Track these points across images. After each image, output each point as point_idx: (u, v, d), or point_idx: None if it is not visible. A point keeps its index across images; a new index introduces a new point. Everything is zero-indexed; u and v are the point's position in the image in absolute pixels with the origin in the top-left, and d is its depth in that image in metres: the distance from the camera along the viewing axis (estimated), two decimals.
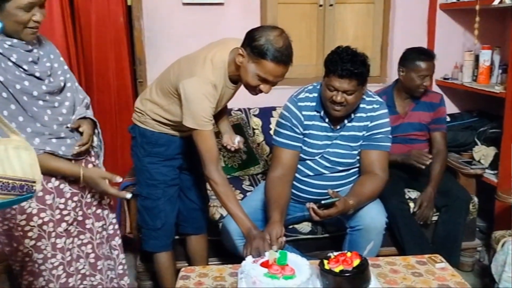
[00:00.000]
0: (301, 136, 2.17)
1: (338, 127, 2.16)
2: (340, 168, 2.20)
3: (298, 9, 3.20)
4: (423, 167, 2.47)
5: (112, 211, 1.94)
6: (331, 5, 3.19)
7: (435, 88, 3.24)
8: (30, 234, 1.65)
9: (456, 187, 2.59)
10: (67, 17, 2.74)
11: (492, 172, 2.78)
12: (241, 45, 1.84)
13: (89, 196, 1.81)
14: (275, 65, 1.76)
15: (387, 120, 2.18)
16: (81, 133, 1.73)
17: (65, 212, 1.72)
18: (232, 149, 2.21)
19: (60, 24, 2.67)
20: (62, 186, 1.70)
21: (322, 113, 2.14)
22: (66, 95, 1.73)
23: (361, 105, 2.15)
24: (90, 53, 2.89)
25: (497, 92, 2.67)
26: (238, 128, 2.89)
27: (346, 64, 1.95)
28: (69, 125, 1.71)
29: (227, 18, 3.05)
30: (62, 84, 1.71)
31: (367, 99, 2.17)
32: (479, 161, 2.87)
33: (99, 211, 1.86)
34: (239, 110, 2.98)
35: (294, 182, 2.23)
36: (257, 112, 3.02)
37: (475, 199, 2.63)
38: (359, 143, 2.17)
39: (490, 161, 2.82)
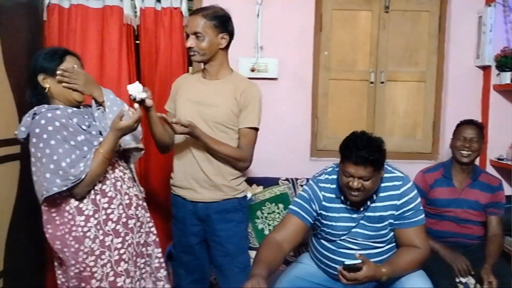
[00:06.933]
0: (314, 213, 2.11)
1: (362, 208, 2.10)
2: (374, 245, 2.12)
3: (349, 85, 3.29)
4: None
5: (156, 246, 2.09)
6: (382, 82, 3.28)
7: (489, 168, 3.15)
8: (88, 234, 1.83)
9: (508, 272, 2.44)
10: (132, 67, 2.98)
11: None
12: None
13: (136, 236, 1.95)
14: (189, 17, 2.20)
15: (415, 193, 2.11)
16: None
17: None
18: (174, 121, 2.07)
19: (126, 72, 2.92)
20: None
21: (342, 197, 2.10)
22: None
23: (382, 185, 2.09)
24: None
25: None
26: (285, 197, 2.93)
27: (361, 151, 1.92)
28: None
29: (280, 91, 3.16)
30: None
31: (387, 175, 2.10)
32: None
33: (143, 249, 2.01)
34: (286, 179, 3.03)
35: (327, 261, 2.17)
36: (304, 183, 3.05)
37: None
38: (387, 222, 2.09)
39: None
